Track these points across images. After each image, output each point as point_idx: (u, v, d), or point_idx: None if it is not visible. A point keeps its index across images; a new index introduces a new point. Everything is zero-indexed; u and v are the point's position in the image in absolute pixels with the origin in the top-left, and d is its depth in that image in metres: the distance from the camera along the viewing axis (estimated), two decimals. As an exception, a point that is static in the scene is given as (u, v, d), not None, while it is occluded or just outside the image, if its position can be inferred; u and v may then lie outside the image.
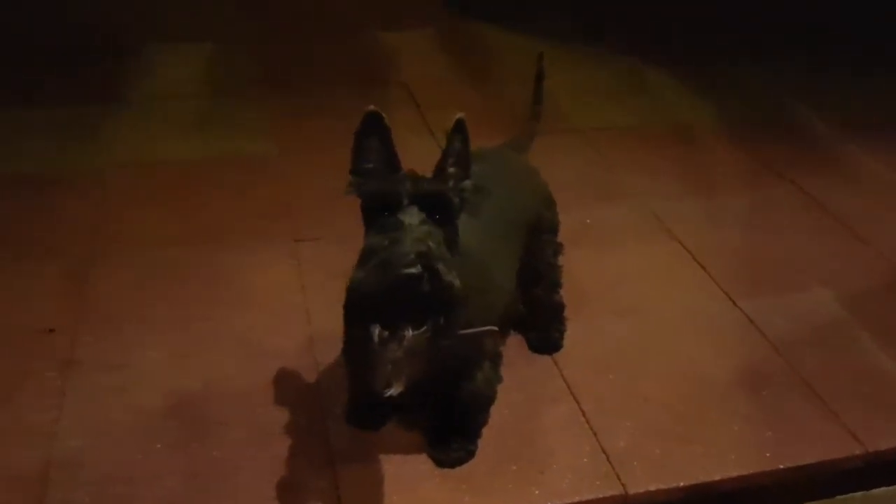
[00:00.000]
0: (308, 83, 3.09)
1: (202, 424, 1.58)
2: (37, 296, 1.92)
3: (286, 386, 1.67)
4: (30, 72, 3.11)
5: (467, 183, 1.34)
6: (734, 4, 3.80)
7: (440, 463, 1.51)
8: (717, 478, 1.51)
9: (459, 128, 1.34)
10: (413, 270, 1.16)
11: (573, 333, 1.81)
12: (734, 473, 1.52)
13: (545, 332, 1.78)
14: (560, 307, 1.79)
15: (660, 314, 1.91)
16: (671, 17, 3.71)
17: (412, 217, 1.25)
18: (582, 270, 2.01)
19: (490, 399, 1.55)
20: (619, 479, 1.49)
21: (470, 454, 1.52)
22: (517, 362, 1.74)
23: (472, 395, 1.49)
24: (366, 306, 1.21)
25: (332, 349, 1.72)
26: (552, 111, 2.69)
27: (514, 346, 1.78)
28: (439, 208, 1.28)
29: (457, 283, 1.21)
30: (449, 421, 1.53)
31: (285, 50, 3.37)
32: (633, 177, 2.47)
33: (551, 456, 1.54)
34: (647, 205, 2.32)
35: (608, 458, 1.53)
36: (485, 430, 1.56)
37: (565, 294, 1.80)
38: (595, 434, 1.58)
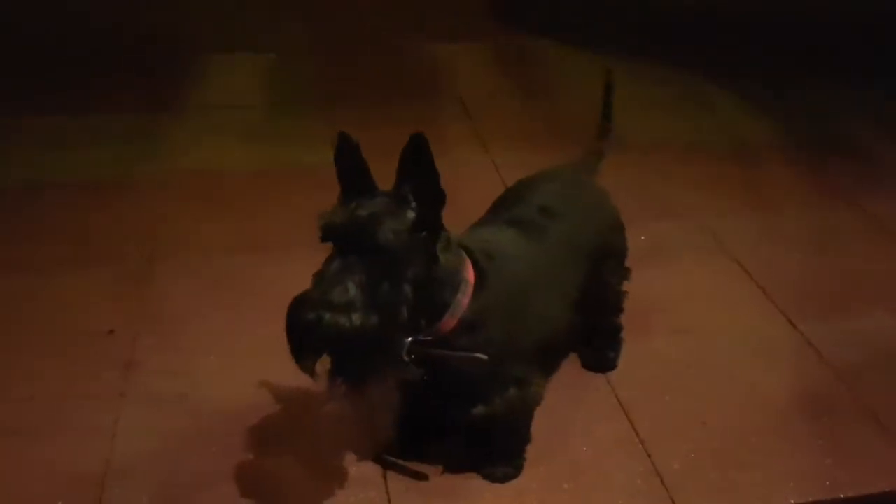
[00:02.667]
0: (364, 95, 3.12)
1: (257, 433, 1.59)
2: (98, 299, 1.97)
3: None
4: (94, 78, 3.19)
5: (411, 214, 1.29)
6: (798, 23, 3.74)
7: (489, 478, 1.50)
8: (775, 505, 1.48)
9: (417, 147, 1.28)
10: (310, 316, 1.20)
11: (628, 352, 1.79)
12: (793, 501, 1.48)
13: (600, 352, 1.77)
14: (618, 328, 1.77)
15: (717, 335, 1.88)
16: (731, 33, 3.67)
17: (335, 261, 1.27)
18: (638, 288, 1.97)
19: (519, 421, 1.51)
20: (674, 503, 1.47)
21: (517, 469, 1.51)
22: (571, 381, 1.72)
23: (489, 419, 1.44)
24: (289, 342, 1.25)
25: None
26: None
27: (568, 364, 1.77)
28: (366, 245, 1.26)
29: (349, 323, 1.21)
30: (483, 444, 1.51)
31: (342, 62, 3.41)
32: (691, 194, 2.44)
33: (605, 476, 1.52)
34: (705, 223, 2.29)
35: (662, 481, 1.51)
36: (538, 448, 1.54)
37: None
38: (649, 456, 1.56)
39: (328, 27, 3.81)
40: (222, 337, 1.84)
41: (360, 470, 1.51)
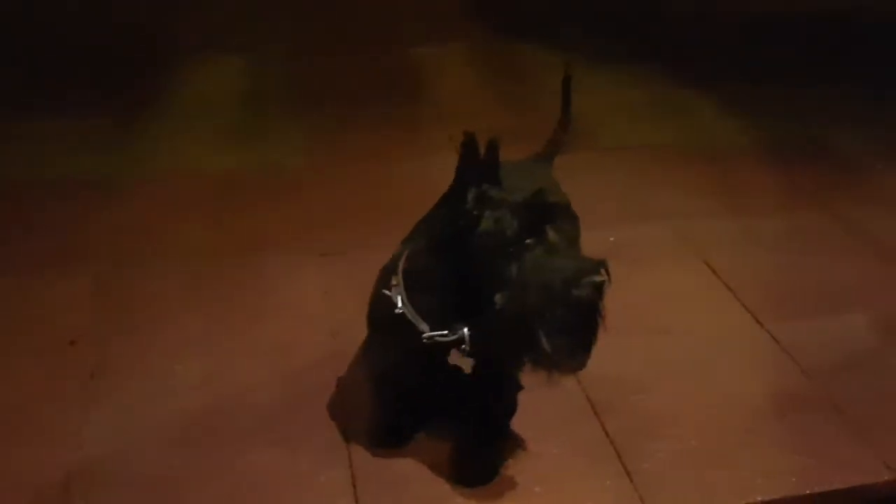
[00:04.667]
0: (340, 98, 3.12)
1: (225, 437, 1.59)
2: (68, 302, 1.95)
3: (310, 401, 1.67)
4: (69, 80, 3.16)
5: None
6: (768, 26, 3.77)
7: (465, 481, 1.50)
8: (743, 503, 1.48)
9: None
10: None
11: (597, 352, 1.79)
12: (760, 498, 1.49)
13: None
14: None
15: (686, 336, 1.89)
16: (706, 37, 3.69)
17: None
18: (608, 290, 1.99)
19: (514, 408, 1.55)
20: (643, 503, 1.47)
21: (495, 472, 1.51)
22: (540, 382, 1.72)
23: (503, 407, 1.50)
24: None
25: (355, 366, 1.73)
26: (582, 129, 2.69)
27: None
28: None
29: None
30: (479, 432, 1.53)
31: (319, 64, 3.40)
32: (663, 197, 2.45)
33: (575, 478, 1.52)
34: (676, 225, 2.30)
35: (632, 481, 1.51)
36: (508, 450, 1.55)
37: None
38: (619, 456, 1.57)
39: (306, 29, 3.80)
40: (196, 341, 1.84)
41: (331, 476, 1.51)
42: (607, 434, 1.61)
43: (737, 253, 2.19)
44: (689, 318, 1.94)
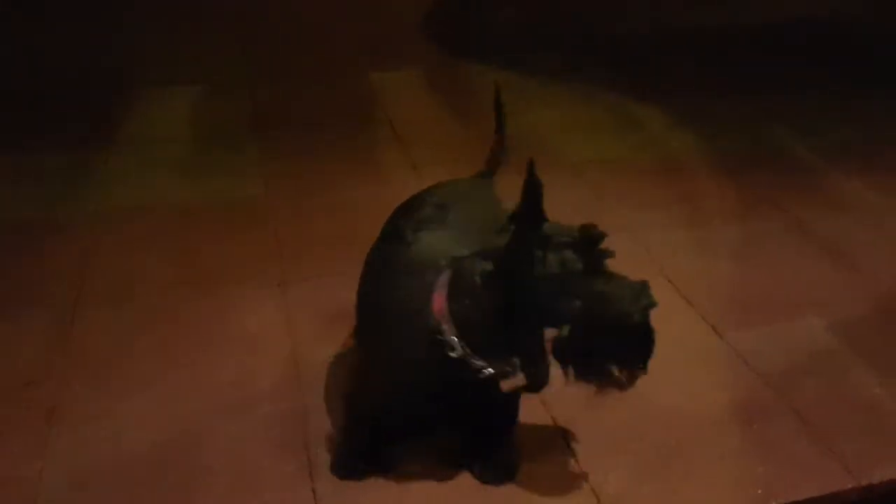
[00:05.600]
0: (297, 125, 3.10)
1: (187, 474, 1.56)
2: (21, 345, 1.91)
3: (272, 433, 1.65)
4: (21, 116, 3.12)
5: None
6: (720, 39, 3.83)
7: (487, 481, 1.53)
8: (709, 516, 1.49)
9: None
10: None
11: (558, 371, 1.79)
12: (726, 511, 1.50)
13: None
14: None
15: (648, 349, 1.89)
16: (657, 51, 3.73)
17: None
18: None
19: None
20: (611, 521, 1.47)
21: (516, 469, 1.54)
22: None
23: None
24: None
25: (318, 394, 1.71)
26: (539, 146, 2.70)
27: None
28: None
29: None
30: (488, 440, 1.55)
31: (275, 92, 3.39)
32: (620, 209, 2.47)
33: (541, 498, 1.51)
34: (633, 238, 2.31)
35: (599, 500, 1.51)
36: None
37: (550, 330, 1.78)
38: (585, 474, 1.56)
39: (260, 58, 3.79)
40: (155, 377, 1.80)
41: (294, 507, 1.49)
42: (573, 452, 1.61)
43: (694, 263, 2.21)
44: (650, 332, 1.95)
